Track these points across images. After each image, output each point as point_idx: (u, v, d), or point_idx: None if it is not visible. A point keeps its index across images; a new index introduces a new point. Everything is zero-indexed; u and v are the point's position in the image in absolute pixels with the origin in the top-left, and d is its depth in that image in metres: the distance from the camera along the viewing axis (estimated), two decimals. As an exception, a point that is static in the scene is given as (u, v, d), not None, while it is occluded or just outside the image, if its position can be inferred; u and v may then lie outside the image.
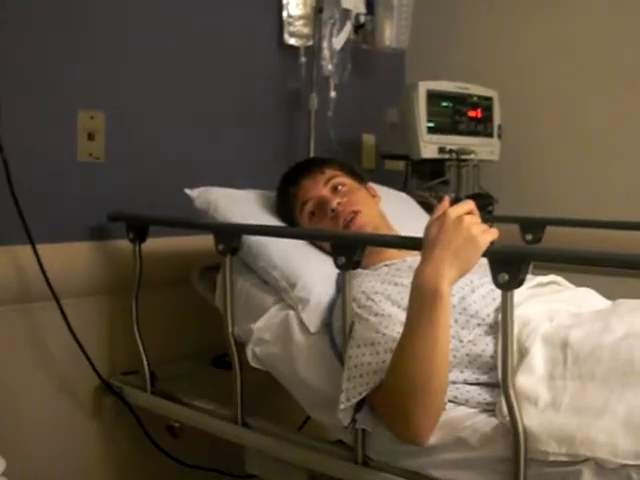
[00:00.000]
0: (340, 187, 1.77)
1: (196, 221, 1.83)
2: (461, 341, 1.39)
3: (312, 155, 2.32)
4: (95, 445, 1.98)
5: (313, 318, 1.60)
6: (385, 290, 1.49)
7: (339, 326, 1.45)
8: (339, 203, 1.73)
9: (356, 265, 1.38)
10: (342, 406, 1.33)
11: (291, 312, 1.63)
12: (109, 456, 2.01)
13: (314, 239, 1.75)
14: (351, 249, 1.36)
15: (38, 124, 1.83)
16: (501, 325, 1.18)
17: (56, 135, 1.87)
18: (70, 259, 1.87)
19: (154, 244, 1.86)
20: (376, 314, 1.43)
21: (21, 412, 1.83)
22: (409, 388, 1.23)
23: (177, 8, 2.11)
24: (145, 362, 1.85)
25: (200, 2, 2.17)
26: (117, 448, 2.02)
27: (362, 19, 2.48)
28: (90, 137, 1.92)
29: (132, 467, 2.04)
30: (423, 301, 1.22)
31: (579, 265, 1.15)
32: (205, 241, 1.66)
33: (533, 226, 1.93)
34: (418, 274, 1.23)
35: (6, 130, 1.70)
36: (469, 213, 1.25)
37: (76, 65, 1.89)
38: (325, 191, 1.76)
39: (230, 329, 1.62)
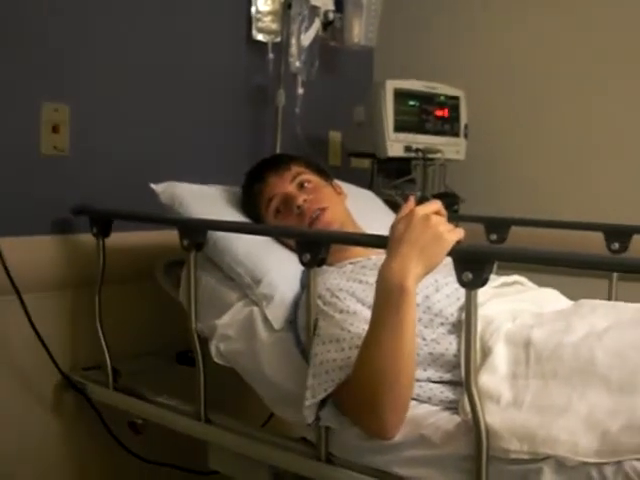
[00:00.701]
0: (306, 184, 1.77)
1: (161, 216, 1.82)
2: (424, 339, 1.40)
3: (279, 152, 2.32)
4: (56, 441, 1.96)
5: (277, 315, 1.59)
6: (350, 287, 1.50)
7: (304, 323, 1.45)
8: (305, 200, 1.72)
9: (321, 262, 1.38)
10: (307, 403, 1.33)
11: (255, 308, 1.63)
12: (70, 452, 1.99)
13: (280, 236, 1.74)
14: (316, 246, 1.36)
15: (1, 116, 1.80)
16: (464, 324, 1.19)
17: (19, 127, 1.84)
18: (32, 253, 1.84)
19: (118, 238, 1.84)
20: (341, 311, 1.43)
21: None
22: (376, 382, 1.24)
23: (146, 2, 2.09)
24: (107, 357, 1.84)
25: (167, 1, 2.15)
26: (78, 444, 2.00)
27: (331, 16, 2.47)
28: (55, 130, 1.89)
29: (94, 463, 2.02)
30: (389, 296, 1.23)
31: (543, 265, 1.16)
32: (170, 236, 1.65)
33: (498, 226, 1.95)
34: (384, 270, 1.24)
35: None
36: (436, 213, 1.26)
37: (41, 57, 1.86)
38: (291, 188, 1.76)
39: (194, 325, 1.61)
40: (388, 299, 1.23)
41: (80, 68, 1.95)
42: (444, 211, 1.30)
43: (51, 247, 1.90)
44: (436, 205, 1.28)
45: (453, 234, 1.22)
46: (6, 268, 1.73)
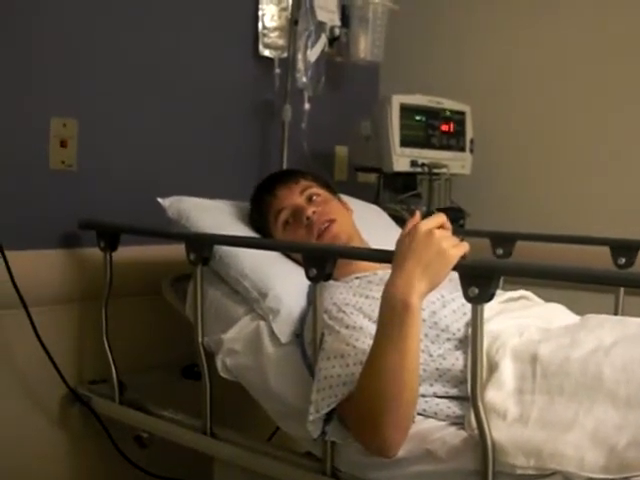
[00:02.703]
0: (315, 197, 1.78)
1: (168, 230, 1.82)
2: (431, 355, 1.39)
3: (285, 166, 2.32)
4: (61, 454, 1.96)
5: (284, 329, 1.59)
6: (357, 302, 1.50)
7: (310, 337, 1.46)
8: (314, 212, 1.73)
9: (327, 277, 1.38)
10: (311, 417, 1.33)
11: (262, 322, 1.63)
12: (76, 466, 1.99)
13: (286, 250, 1.75)
14: (323, 261, 1.37)
15: (10, 130, 1.82)
16: (471, 339, 1.19)
17: (28, 141, 1.86)
18: (40, 266, 1.85)
19: (125, 253, 1.85)
20: (347, 326, 1.43)
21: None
22: (380, 400, 1.23)
23: (154, 17, 2.11)
24: (114, 371, 1.84)
25: (177, 13, 2.17)
26: (84, 457, 2.00)
27: (337, 32, 2.48)
28: (63, 144, 1.91)
29: (99, 477, 2.02)
30: (393, 313, 1.23)
31: (549, 280, 1.16)
32: (177, 251, 1.65)
33: (504, 240, 1.95)
34: (388, 287, 1.24)
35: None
36: (441, 227, 1.26)
37: (50, 72, 1.88)
38: (300, 200, 1.76)
39: (200, 339, 1.61)
40: (392, 315, 1.23)
41: (89, 83, 1.96)
42: (449, 224, 1.29)
43: (58, 261, 1.91)
44: (440, 219, 1.28)
45: (457, 249, 1.22)
46: (14, 281, 1.74)
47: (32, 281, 1.79)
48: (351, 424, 1.32)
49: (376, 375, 1.24)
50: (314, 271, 1.37)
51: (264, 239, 1.80)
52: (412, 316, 1.21)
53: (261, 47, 2.38)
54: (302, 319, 1.59)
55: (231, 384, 1.63)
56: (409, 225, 1.28)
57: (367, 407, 1.26)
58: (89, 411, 1.92)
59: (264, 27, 2.38)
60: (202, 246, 1.58)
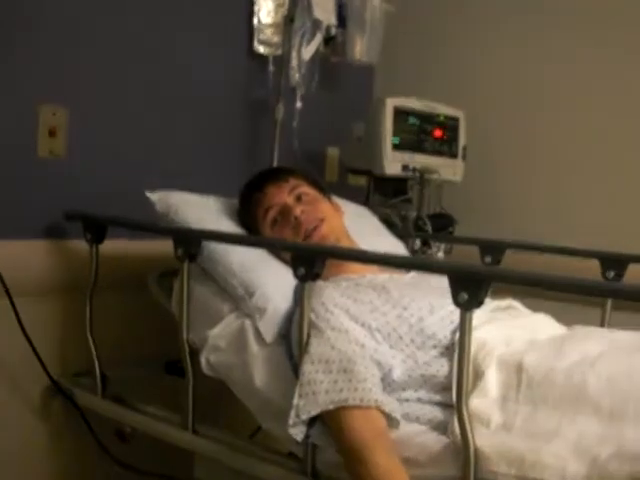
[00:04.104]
0: (304, 197, 1.77)
1: (155, 224, 1.80)
2: (416, 362, 1.39)
3: (275, 165, 2.31)
4: (42, 446, 1.95)
5: (270, 328, 1.58)
6: (344, 304, 1.49)
7: (296, 338, 1.45)
8: (302, 211, 1.72)
9: (316, 277, 1.38)
10: (291, 422, 1.33)
11: (247, 321, 1.62)
12: (56, 458, 1.97)
13: (274, 248, 1.73)
14: (311, 261, 1.36)
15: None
16: (458, 345, 1.19)
17: (15, 129, 1.84)
18: (25, 257, 1.84)
19: (112, 245, 1.83)
20: (333, 328, 1.43)
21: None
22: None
23: (148, 9, 2.09)
24: (97, 365, 1.83)
25: (170, 7, 2.15)
26: (64, 450, 1.98)
27: (333, 31, 2.47)
28: (51, 133, 1.89)
29: (79, 470, 2.01)
30: None
31: (539, 289, 1.16)
32: (164, 245, 1.64)
33: (493, 248, 1.95)
34: None
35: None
36: None
37: (39, 59, 1.86)
38: (289, 199, 1.76)
39: (185, 335, 1.61)
40: None
41: (80, 72, 1.95)
42: None
43: (44, 251, 1.89)
44: None
45: None
46: (-2, 271, 1.73)
47: (17, 271, 1.77)
48: (335, 440, 1.32)
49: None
50: (302, 270, 1.36)
51: (253, 236, 1.79)
52: None
53: (256, 44, 2.37)
54: (289, 319, 1.58)
55: (214, 381, 1.63)
56: None
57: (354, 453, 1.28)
58: (71, 404, 1.90)
59: (259, 23, 2.37)
60: (190, 242, 1.57)
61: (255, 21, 2.36)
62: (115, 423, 1.83)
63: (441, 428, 1.33)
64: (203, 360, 1.62)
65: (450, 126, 2.43)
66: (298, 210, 1.72)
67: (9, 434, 1.87)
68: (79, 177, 1.94)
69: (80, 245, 1.84)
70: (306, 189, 1.79)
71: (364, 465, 1.25)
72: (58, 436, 1.97)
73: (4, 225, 1.78)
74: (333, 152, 2.69)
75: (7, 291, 1.75)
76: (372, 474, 1.24)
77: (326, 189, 1.89)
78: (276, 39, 2.38)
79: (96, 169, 1.98)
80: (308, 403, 1.32)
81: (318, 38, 2.40)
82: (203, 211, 1.83)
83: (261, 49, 2.38)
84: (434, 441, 1.29)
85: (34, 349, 1.83)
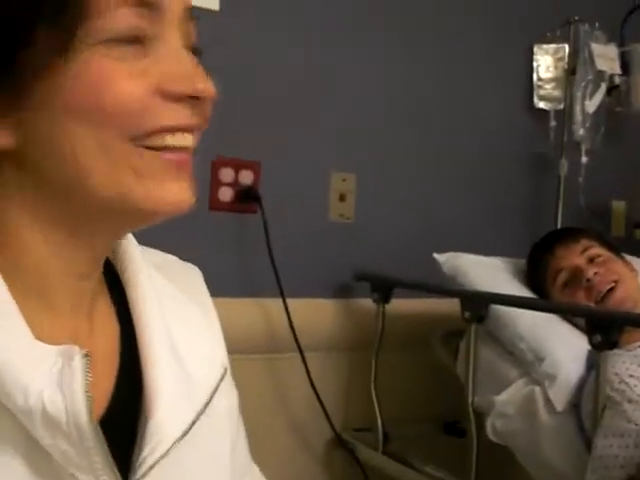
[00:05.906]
0: (597, 258, 1.71)
1: (443, 286, 1.83)
2: None
3: (560, 222, 2.24)
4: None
5: (560, 396, 1.53)
6: (640, 375, 1.40)
7: (589, 409, 1.39)
8: (596, 273, 1.66)
9: (613, 345, 1.33)
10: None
11: (537, 388, 1.58)
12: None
13: (568, 313, 1.68)
14: (609, 327, 1.30)
15: (294, 186, 1.93)
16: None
17: (310, 196, 1.96)
18: (316, 314, 1.93)
19: (397, 305, 1.87)
20: (629, 400, 1.35)
21: (256, 453, 1.89)
22: None
23: (426, 67, 2.15)
24: (379, 421, 1.86)
25: (455, 66, 2.19)
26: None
27: (616, 80, 2.38)
28: (341, 198, 1.99)
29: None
30: None
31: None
32: (447, 305, 1.65)
33: None
34: None
35: (266, 191, 1.83)
36: None
37: (331, 130, 1.98)
38: (580, 261, 1.70)
39: (470, 399, 1.59)
40: None
41: (365, 139, 2.04)
42: None
43: (333, 310, 1.97)
44: None
45: None
46: (292, 327, 1.83)
47: (308, 327, 1.87)
48: None
49: None
50: (598, 338, 1.31)
51: (545, 301, 1.75)
52: None
53: (536, 99, 2.34)
54: (580, 388, 1.52)
55: (494, 445, 1.60)
56: None
57: None
58: (352, 457, 1.95)
59: (539, 78, 2.34)
60: (478, 305, 1.57)
61: (535, 77, 2.34)
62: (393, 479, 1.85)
63: None
64: (489, 425, 1.61)
65: None
66: (591, 272, 1.66)
67: (293, 478, 1.95)
68: (366, 239, 2.02)
69: (367, 304, 1.90)
70: (598, 250, 1.73)
71: None
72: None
73: (298, 284, 1.88)
74: (619, 206, 2.56)
75: (299, 346, 1.84)
76: None
77: (618, 250, 1.80)
78: (557, 93, 2.33)
79: (382, 231, 2.05)
80: (601, 478, 1.26)
81: (602, 89, 2.31)
82: (490, 273, 1.82)
83: (542, 104, 2.34)
84: None
85: (321, 402, 1.90)
